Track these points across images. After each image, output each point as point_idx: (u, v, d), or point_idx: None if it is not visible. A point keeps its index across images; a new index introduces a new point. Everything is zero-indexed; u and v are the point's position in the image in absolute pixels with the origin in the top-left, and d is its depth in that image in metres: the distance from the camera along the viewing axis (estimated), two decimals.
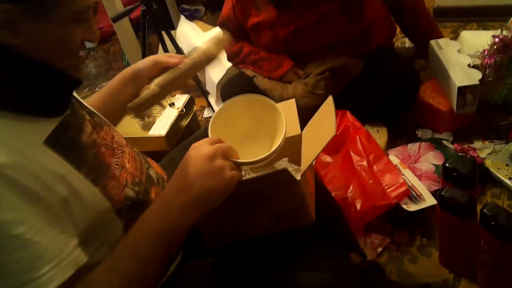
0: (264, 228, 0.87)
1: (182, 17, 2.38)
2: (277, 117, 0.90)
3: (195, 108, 1.95)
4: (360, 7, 1.52)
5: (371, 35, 1.58)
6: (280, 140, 0.84)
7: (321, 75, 1.56)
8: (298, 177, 0.81)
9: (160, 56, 1.00)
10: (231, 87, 1.76)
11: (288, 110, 1.05)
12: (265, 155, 0.82)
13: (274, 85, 1.65)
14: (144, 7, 1.80)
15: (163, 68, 0.98)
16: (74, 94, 0.88)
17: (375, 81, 1.58)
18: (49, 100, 0.75)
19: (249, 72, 1.72)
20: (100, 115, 0.94)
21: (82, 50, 0.79)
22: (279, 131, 0.88)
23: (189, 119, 1.87)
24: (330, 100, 0.93)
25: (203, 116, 2.14)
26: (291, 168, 0.97)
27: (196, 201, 0.71)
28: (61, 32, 0.72)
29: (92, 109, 0.92)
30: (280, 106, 0.99)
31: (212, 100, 2.09)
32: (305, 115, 1.01)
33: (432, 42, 1.64)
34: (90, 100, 1.03)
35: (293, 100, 1.06)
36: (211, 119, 0.89)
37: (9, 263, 0.61)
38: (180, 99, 1.87)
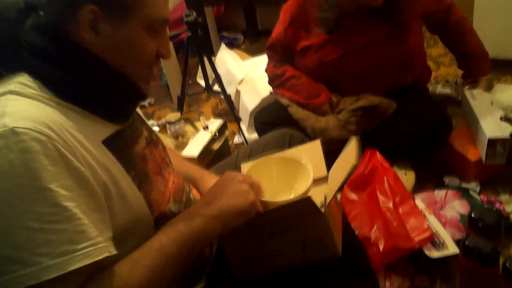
0: (291, 259, 0.89)
1: (223, 45, 2.47)
2: (306, 176, 0.96)
3: (227, 133, 2.01)
4: (406, 34, 1.60)
5: (411, 63, 1.65)
6: (307, 187, 0.90)
7: (354, 112, 1.61)
8: (323, 210, 0.84)
9: None
10: (266, 115, 1.81)
11: (313, 151, 1.09)
12: (291, 197, 0.87)
13: (308, 115, 1.69)
14: (190, 34, 1.88)
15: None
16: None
17: (406, 121, 1.61)
18: (115, 106, 0.82)
19: (284, 101, 1.77)
20: (157, 134, 1.00)
21: (156, 66, 0.86)
22: (305, 183, 0.94)
23: (220, 143, 1.93)
24: (353, 141, 0.98)
25: (233, 142, 2.19)
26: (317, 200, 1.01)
27: (219, 215, 0.79)
28: (136, 38, 0.78)
29: (151, 126, 0.99)
30: (306, 147, 1.04)
31: (243, 127, 2.15)
32: (333, 147, 1.05)
33: (467, 91, 1.67)
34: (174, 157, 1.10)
35: (319, 141, 1.09)
36: (246, 171, 0.96)
37: (51, 231, 0.64)
38: (214, 123, 1.94)
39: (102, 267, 0.70)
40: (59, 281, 0.64)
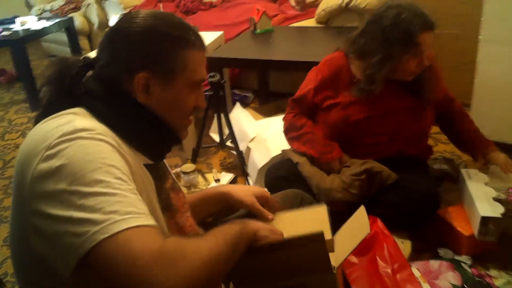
0: None
1: (238, 104, 2.63)
2: None
3: None
4: (424, 111, 1.80)
5: (422, 137, 1.86)
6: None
7: (358, 177, 1.73)
8: (334, 271, 0.95)
9: (256, 204, 1.23)
10: (279, 170, 1.91)
11: (319, 215, 1.20)
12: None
13: (315, 173, 1.80)
14: (212, 93, 2.04)
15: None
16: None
17: (399, 194, 1.73)
18: (155, 146, 0.97)
19: (294, 158, 1.87)
20: (178, 184, 1.14)
21: (192, 115, 1.02)
22: None
23: None
24: (362, 210, 1.10)
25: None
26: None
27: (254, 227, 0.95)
28: (180, 95, 0.95)
29: (182, 180, 1.15)
30: (313, 210, 1.16)
31: (251, 182, 2.26)
32: (336, 207, 1.17)
33: (463, 171, 1.81)
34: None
35: (325, 207, 1.21)
36: None
37: (118, 195, 0.73)
38: (225, 177, 2.06)
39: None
40: (128, 234, 0.70)
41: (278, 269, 0.95)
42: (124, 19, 0.96)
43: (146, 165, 0.93)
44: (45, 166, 0.75)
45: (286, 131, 1.97)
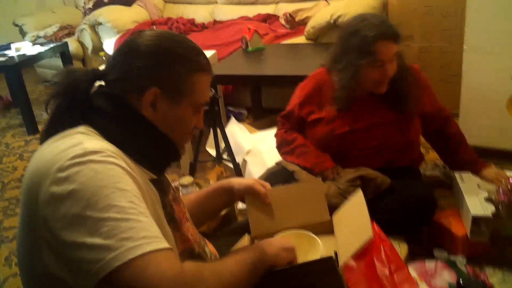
0: None
1: (233, 119, 2.69)
2: (317, 248, 1.13)
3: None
4: (408, 124, 1.83)
5: (410, 150, 1.87)
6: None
7: (353, 183, 1.78)
8: (339, 269, 0.99)
9: (257, 185, 1.30)
10: (274, 180, 1.94)
11: (316, 193, 1.27)
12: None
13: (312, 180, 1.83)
14: (208, 108, 2.10)
15: (253, 195, 1.28)
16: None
17: (396, 199, 1.77)
18: (158, 161, 0.99)
19: (290, 167, 1.91)
20: (179, 195, 1.17)
21: (191, 134, 1.05)
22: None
23: (228, 209, 2.06)
24: (360, 196, 1.14)
25: (238, 208, 2.33)
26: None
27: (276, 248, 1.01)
28: (184, 115, 0.98)
29: (181, 193, 1.18)
30: (308, 187, 1.21)
31: None
32: (331, 211, 1.24)
33: (457, 174, 1.87)
34: (185, 197, 1.28)
35: (321, 183, 1.28)
36: None
37: (131, 221, 0.75)
38: None
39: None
40: (144, 260, 0.71)
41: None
42: (139, 36, 0.97)
43: (151, 180, 0.96)
44: (57, 189, 0.76)
45: (279, 147, 2.02)
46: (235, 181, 1.32)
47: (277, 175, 1.96)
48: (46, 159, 0.81)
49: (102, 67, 1.02)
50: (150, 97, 0.93)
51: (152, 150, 0.96)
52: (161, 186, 1.02)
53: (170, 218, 1.01)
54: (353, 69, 1.71)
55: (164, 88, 0.94)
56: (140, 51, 0.94)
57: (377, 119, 1.81)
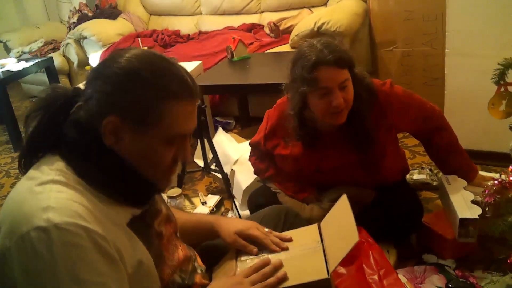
0: None
1: (220, 129, 2.69)
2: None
3: (222, 209, 2.15)
4: (378, 161, 1.73)
5: (386, 182, 1.79)
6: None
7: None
8: (328, 275, 0.99)
9: (258, 233, 1.21)
10: (258, 198, 1.94)
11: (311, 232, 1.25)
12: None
13: (294, 204, 1.81)
14: None
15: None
16: None
17: (383, 209, 1.77)
18: (134, 197, 0.92)
19: (273, 188, 1.91)
20: (172, 211, 1.13)
21: (174, 166, 0.96)
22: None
23: None
24: (345, 200, 1.13)
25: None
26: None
27: None
28: (153, 149, 0.89)
29: (169, 205, 1.13)
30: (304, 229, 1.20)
31: (237, 203, 2.30)
32: None
33: (443, 177, 1.88)
34: (178, 214, 1.23)
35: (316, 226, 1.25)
36: None
37: None
38: (212, 199, 2.09)
39: None
40: None
41: None
42: (111, 56, 0.90)
43: (131, 223, 0.91)
44: (14, 255, 0.76)
45: (256, 173, 2.00)
46: (221, 234, 1.23)
47: (260, 194, 1.94)
48: (14, 212, 0.80)
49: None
50: (108, 125, 0.85)
51: (121, 185, 0.89)
52: (144, 224, 0.96)
53: (157, 255, 0.97)
54: (300, 98, 1.60)
55: (125, 116, 0.85)
56: (105, 74, 0.87)
57: (343, 159, 1.71)
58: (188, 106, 0.90)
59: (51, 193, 0.81)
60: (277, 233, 1.23)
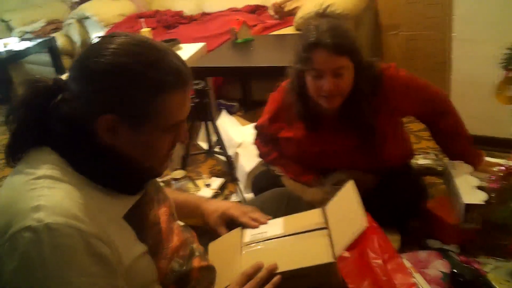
0: None
1: (224, 111, 2.68)
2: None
3: (226, 192, 2.16)
4: (379, 146, 1.71)
5: (388, 166, 1.77)
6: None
7: (339, 185, 1.76)
8: (335, 259, 0.99)
9: (237, 212, 1.24)
10: (262, 181, 1.95)
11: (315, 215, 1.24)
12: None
13: (297, 186, 1.81)
14: (198, 100, 2.08)
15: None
16: None
17: (386, 193, 1.75)
18: (130, 184, 0.92)
19: (277, 171, 1.91)
20: (164, 192, 1.11)
21: (172, 150, 0.95)
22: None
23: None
24: (352, 185, 1.13)
25: (231, 200, 2.33)
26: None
27: None
28: (152, 139, 0.89)
29: (160, 185, 1.10)
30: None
31: (241, 186, 2.30)
32: None
33: (448, 162, 1.87)
34: (173, 195, 1.22)
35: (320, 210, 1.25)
36: None
37: None
38: (216, 181, 2.09)
39: None
40: None
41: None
42: (95, 49, 0.85)
43: (127, 215, 0.90)
44: (4, 254, 0.75)
45: (260, 156, 2.00)
46: (205, 217, 1.27)
47: (264, 177, 1.95)
48: (6, 209, 0.79)
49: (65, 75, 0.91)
50: (104, 124, 0.84)
51: (117, 172, 0.88)
52: (140, 213, 0.95)
53: (154, 248, 0.96)
54: (295, 74, 1.62)
55: (119, 113, 0.83)
56: (91, 69, 0.83)
57: (343, 143, 1.72)
58: (182, 94, 0.89)
59: (43, 190, 0.79)
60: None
